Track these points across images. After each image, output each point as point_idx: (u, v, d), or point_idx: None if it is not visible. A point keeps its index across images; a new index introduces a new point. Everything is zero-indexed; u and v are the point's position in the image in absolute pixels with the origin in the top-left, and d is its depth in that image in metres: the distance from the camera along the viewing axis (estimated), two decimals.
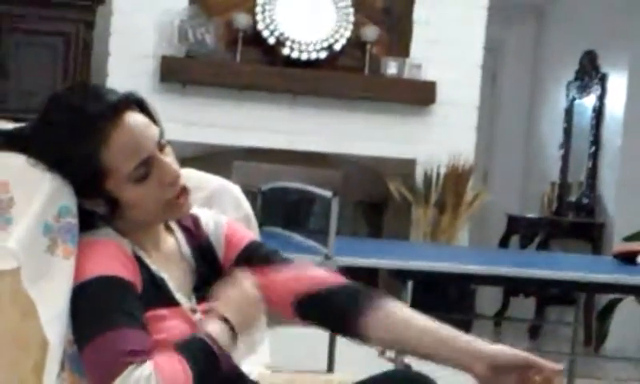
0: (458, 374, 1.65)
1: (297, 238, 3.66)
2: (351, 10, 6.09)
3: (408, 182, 6.17)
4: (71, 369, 1.64)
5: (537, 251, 6.66)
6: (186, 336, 1.64)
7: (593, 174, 6.90)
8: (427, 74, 6.17)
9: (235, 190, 2.07)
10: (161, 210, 1.71)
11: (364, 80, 6.15)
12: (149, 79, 5.84)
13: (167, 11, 5.89)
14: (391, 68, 6.15)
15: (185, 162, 1.74)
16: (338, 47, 6.09)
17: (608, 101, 6.89)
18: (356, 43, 6.14)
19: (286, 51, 6.01)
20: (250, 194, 2.34)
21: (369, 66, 6.15)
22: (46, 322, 1.60)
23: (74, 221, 1.65)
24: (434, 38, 6.19)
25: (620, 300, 6.05)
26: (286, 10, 6.03)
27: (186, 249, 1.80)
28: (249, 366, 1.92)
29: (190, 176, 1.86)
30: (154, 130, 1.70)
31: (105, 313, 1.58)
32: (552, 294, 6.64)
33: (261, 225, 2.37)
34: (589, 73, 7.09)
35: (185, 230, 1.83)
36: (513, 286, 6.47)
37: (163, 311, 1.68)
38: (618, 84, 6.76)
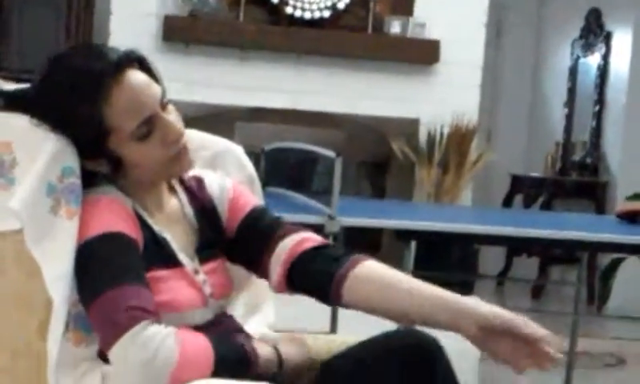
0: (460, 342, 1.61)
1: (300, 198, 3.65)
2: None
3: (411, 141, 6.15)
4: (76, 327, 1.64)
5: (540, 211, 6.66)
6: (229, 337, 1.65)
7: (597, 133, 6.87)
8: (431, 33, 6.14)
9: (238, 150, 2.06)
10: (164, 168, 1.70)
11: (367, 39, 6.12)
12: (151, 38, 5.82)
13: None
14: (395, 27, 6.12)
15: (187, 122, 1.73)
16: (341, 6, 6.06)
17: (613, 59, 6.85)
18: (359, 2, 6.11)
19: (289, 10, 5.98)
20: (253, 155, 2.33)
21: (372, 25, 6.11)
22: (50, 282, 1.60)
23: (77, 181, 1.65)
24: None
25: (623, 259, 6.05)
26: None
27: (189, 209, 1.80)
28: (253, 325, 1.92)
29: (193, 137, 1.85)
30: (155, 89, 1.69)
31: (111, 269, 1.57)
32: (555, 253, 6.65)
33: (264, 186, 2.37)
34: (594, 31, 7.04)
35: (188, 191, 1.83)
36: (516, 246, 6.48)
37: (165, 272, 1.68)
38: (622, 42, 6.71)
